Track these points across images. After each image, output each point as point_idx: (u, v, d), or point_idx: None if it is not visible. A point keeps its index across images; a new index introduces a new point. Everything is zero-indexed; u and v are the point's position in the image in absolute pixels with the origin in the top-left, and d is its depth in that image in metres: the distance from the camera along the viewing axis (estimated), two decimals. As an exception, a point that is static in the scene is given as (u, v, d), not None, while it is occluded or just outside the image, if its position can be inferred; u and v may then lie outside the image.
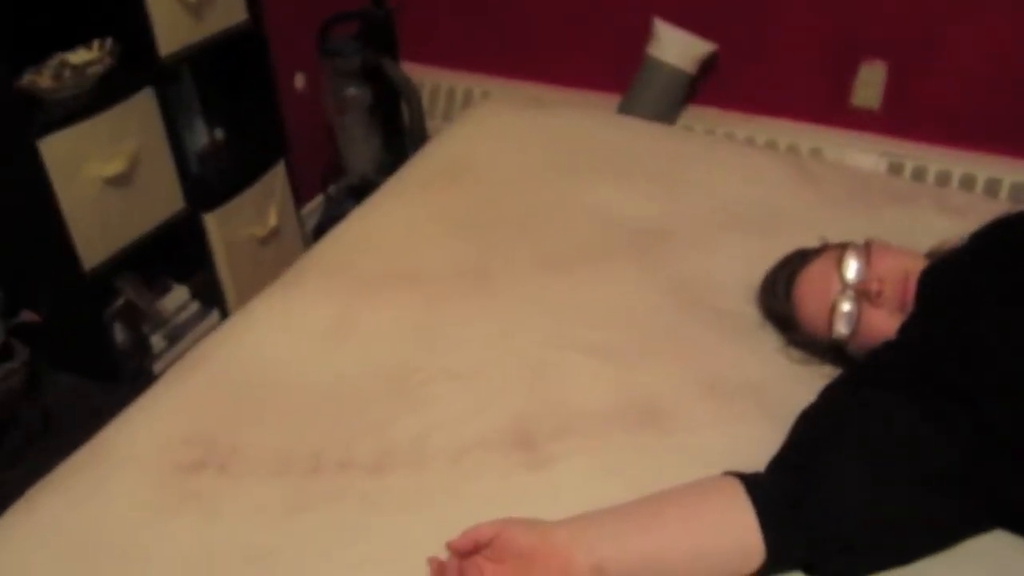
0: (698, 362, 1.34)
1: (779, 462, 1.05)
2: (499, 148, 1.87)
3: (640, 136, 1.96)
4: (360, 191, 2.73)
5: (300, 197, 2.58)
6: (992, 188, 2.31)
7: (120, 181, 1.90)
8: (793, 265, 1.38)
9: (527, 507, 1.08)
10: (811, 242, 1.44)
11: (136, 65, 1.94)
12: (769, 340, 1.40)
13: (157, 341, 2.22)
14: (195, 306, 2.36)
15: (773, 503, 0.95)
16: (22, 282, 1.92)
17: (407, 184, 1.76)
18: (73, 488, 1.11)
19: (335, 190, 2.80)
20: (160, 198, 2.06)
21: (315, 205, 2.86)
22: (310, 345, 1.33)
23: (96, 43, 1.90)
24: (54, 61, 1.83)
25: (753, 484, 0.97)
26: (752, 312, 1.45)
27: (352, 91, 2.52)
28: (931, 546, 0.97)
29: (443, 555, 0.97)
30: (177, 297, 2.32)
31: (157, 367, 2.20)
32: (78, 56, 1.86)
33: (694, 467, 1.16)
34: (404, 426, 1.19)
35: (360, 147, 2.65)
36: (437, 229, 1.60)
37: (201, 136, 2.38)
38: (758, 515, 0.94)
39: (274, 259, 2.50)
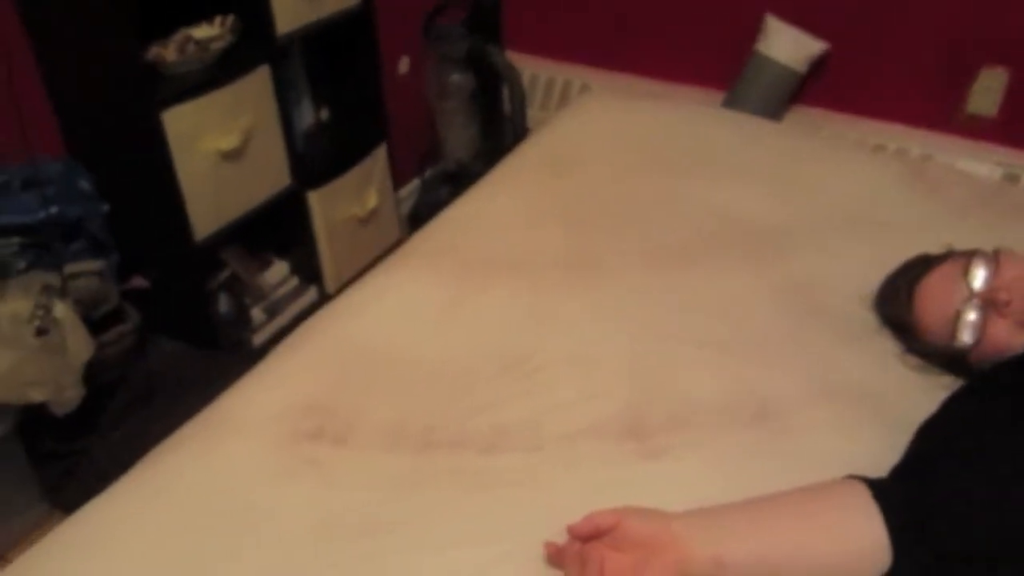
0: (812, 364, 1.31)
1: (904, 471, 1.02)
2: (605, 142, 1.86)
3: (750, 133, 1.93)
4: (456, 177, 2.75)
5: (396, 180, 2.61)
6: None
7: (234, 155, 1.95)
8: (917, 270, 1.34)
9: (638, 496, 1.07)
10: (927, 248, 1.40)
11: (254, 43, 1.98)
12: (885, 345, 1.36)
13: (256, 314, 2.28)
14: (294, 281, 2.41)
15: (901, 512, 0.92)
16: (135, 248, 1.98)
17: (514, 173, 1.77)
18: (194, 449, 1.14)
19: (431, 175, 2.82)
20: (269, 174, 2.10)
21: (410, 189, 2.89)
22: (422, 325, 1.35)
23: (218, 19, 1.95)
24: (179, 36, 1.89)
25: (880, 491, 0.95)
26: (868, 316, 1.41)
27: (455, 77, 2.53)
28: None
29: (556, 538, 0.97)
30: (277, 272, 2.37)
31: (256, 339, 2.25)
32: (202, 31, 1.91)
33: (807, 470, 1.13)
34: (517, 408, 1.19)
35: (459, 133, 2.66)
36: (544, 220, 1.60)
37: (307, 115, 2.42)
38: (886, 523, 0.91)
39: (371, 239, 2.53)
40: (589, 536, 0.94)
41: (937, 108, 2.42)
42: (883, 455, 1.14)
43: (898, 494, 0.95)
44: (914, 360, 1.33)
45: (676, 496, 1.08)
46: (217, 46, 1.89)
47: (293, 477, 1.08)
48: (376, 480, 1.09)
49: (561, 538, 0.96)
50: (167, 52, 1.85)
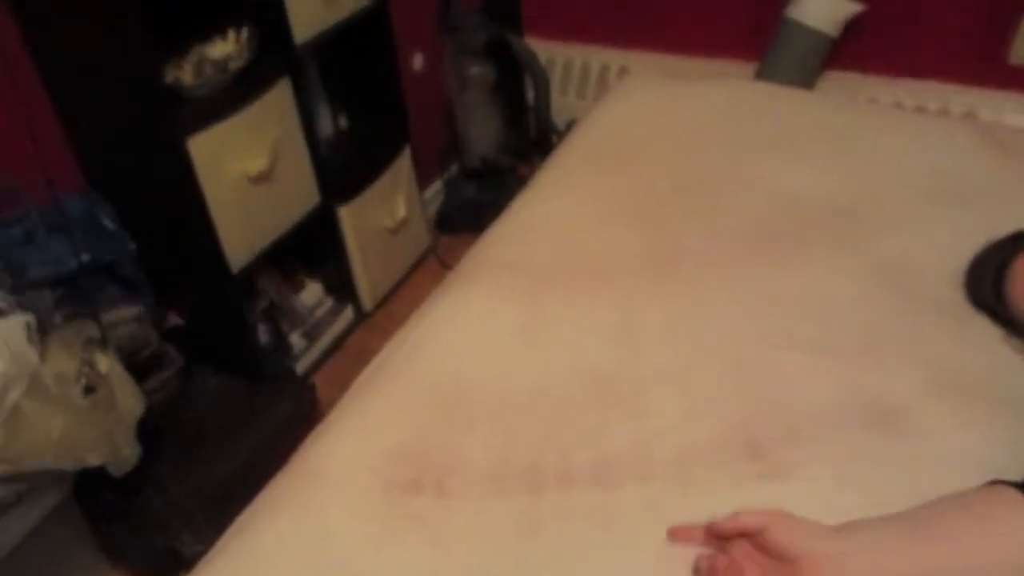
0: (920, 356, 1.23)
1: None
2: (654, 127, 1.77)
3: (800, 105, 1.84)
4: (481, 174, 2.65)
5: (419, 182, 2.52)
6: None
7: (262, 177, 1.86)
8: (1006, 251, 1.26)
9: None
10: (1013, 216, 1.32)
11: (272, 55, 1.88)
12: (991, 330, 1.28)
13: (296, 340, 2.19)
14: (329, 302, 2.32)
15: None
16: (167, 284, 1.89)
17: (566, 169, 1.67)
18: (285, 517, 1.05)
19: (454, 173, 2.73)
20: (299, 193, 2.01)
21: (435, 190, 2.79)
22: (503, 347, 1.26)
23: (232, 33, 1.85)
24: (194, 55, 1.79)
25: None
26: (962, 299, 1.33)
27: (475, 68, 2.43)
28: None
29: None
30: (312, 294, 2.28)
31: (299, 366, 2.17)
32: (217, 49, 1.81)
33: (939, 473, 1.06)
34: (621, 435, 1.11)
35: (481, 128, 2.57)
36: (610, 217, 1.51)
37: (326, 124, 2.32)
38: None
39: (402, 249, 2.45)
40: (731, 536, 0.91)
41: (977, 61, 2.33)
42: (1009, 444, 1.07)
43: None
44: (1021, 343, 1.26)
45: (806, 515, 1.01)
46: (236, 65, 1.79)
47: (397, 537, 1.00)
48: (486, 531, 1.01)
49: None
50: (184, 74, 1.75)
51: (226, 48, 1.82)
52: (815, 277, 1.36)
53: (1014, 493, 0.89)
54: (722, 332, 1.25)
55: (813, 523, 0.90)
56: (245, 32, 1.84)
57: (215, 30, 1.84)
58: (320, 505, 1.04)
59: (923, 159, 1.62)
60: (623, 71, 2.61)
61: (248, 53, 1.82)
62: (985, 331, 1.28)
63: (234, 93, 1.79)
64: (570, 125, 2.28)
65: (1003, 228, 1.31)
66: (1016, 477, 1.02)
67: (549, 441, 1.11)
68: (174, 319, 1.94)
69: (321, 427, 1.17)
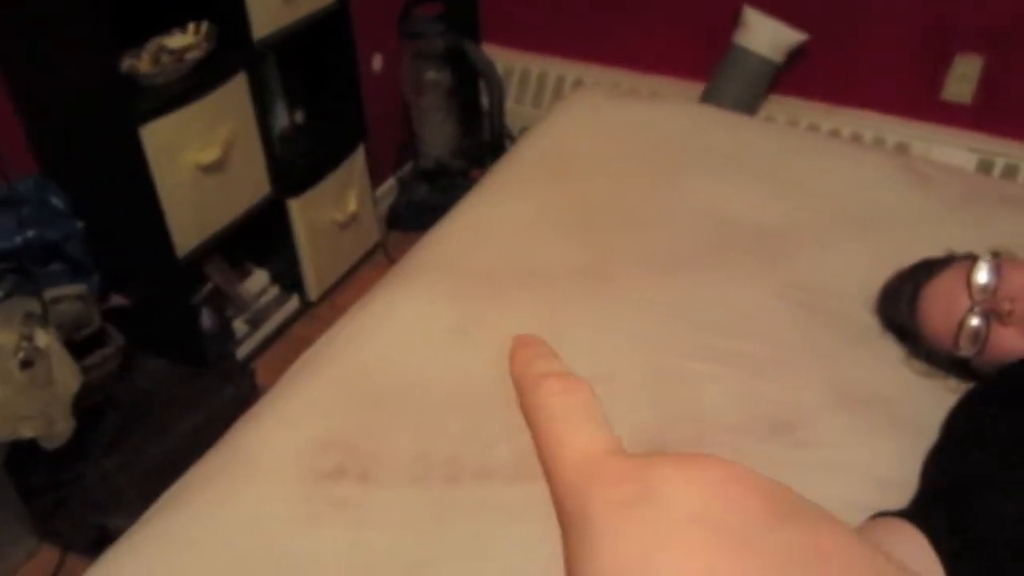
0: (825, 372, 1.32)
1: (936, 496, 1.04)
2: (599, 141, 1.84)
3: (741, 131, 1.92)
4: (434, 175, 2.70)
5: (373, 179, 2.56)
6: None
7: (214, 167, 1.89)
8: (917, 277, 1.34)
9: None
10: (925, 245, 1.41)
11: (230, 49, 1.91)
12: (893, 350, 1.37)
13: (239, 325, 2.22)
14: (275, 290, 2.35)
15: (952, 549, 0.92)
16: (115, 267, 1.91)
17: (510, 179, 1.74)
18: (209, 494, 1.10)
19: (408, 173, 2.78)
20: (249, 184, 2.04)
21: (387, 188, 2.84)
22: (434, 344, 1.32)
23: (192, 26, 1.88)
24: (152, 45, 1.82)
25: (931, 531, 0.94)
26: (872, 320, 1.42)
27: (432, 73, 2.48)
28: None
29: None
30: (258, 281, 2.31)
31: (240, 352, 2.20)
32: (176, 40, 1.84)
33: (832, 482, 1.15)
34: (539, 434, 1.18)
35: (436, 130, 2.62)
36: (547, 226, 1.57)
37: (282, 118, 2.36)
38: (945, 566, 0.91)
39: (351, 243, 2.48)
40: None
41: (913, 95, 2.44)
42: (902, 462, 1.15)
43: (944, 530, 0.94)
44: (920, 365, 1.34)
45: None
46: (193, 55, 1.82)
47: (319, 521, 1.05)
48: (405, 518, 1.07)
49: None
50: (141, 63, 1.78)
51: (185, 40, 1.85)
52: (734, 293, 1.44)
53: (916, 531, 0.96)
54: (640, 341, 1.33)
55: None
56: (205, 26, 1.87)
57: (176, 24, 1.87)
58: (245, 487, 1.09)
59: (848, 187, 1.71)
60: (578, 83, 2.68)
61: (207, 45, 1.85)
62: (888, 351, 1.37)
63: (190, 84, 1.82)
64: (524, 132, 2.35)
65: (915, 255, 1.40)
66: (903, 488, 1.10)
67: (471, 435, 1.17)
68: (119, 300, 1.96)
69: (252, 411, 1.22)
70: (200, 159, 1.84)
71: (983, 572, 0.91)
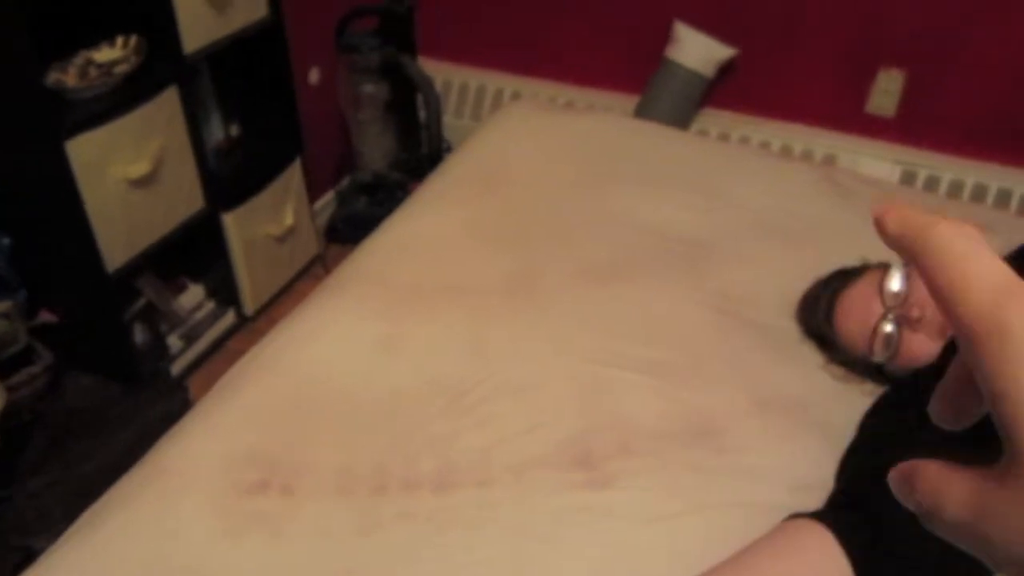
0: (745, 379, 1.35)
1: (846, 497, 1.07)
2: (530, 154, 1.87)
3: (671, 144, 1.96)
4: (373, 188, 2.71)
5: (311, 192, 2.56)
6: (1003, 199, 2.34)
7: (144, 182, 1.87)
8: (834, 286, 1.39)
9: (591, 525, 1.10)
10: (844, 255, 1.45)
11: (161, 63, 1.90)
12: (811, 356, 1.41)
13: (174, 341, 2.20)
14: (210, 305, 2.33)
15: (864, 551, 0.95)
16: (42, 283, 1.89)
17: (441, 191, 1.75)
18: (134, 511, 1.09)
19: (347, 186, 2.78)
20: (182, 198, 2.03)
21: (326, 201, 2.83)
22: (361, 358, 1.33)
23: (120, 40, 1.86)
24: (79, 59, 1.80)
25: (840, 530, 0.97)
26: (792, 327, 1.47)
27: (369, 87, 2.49)
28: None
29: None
30: (193, 296, 2.29)
31: (175, 367, 2.18)
32: (104, 54, 1.82)
33: (751, 485, 1.18)
34: (465, 442, 1.19)
35: (374, 144, 2.62)
36: (476, 239, 1.59)
37: (217, 132, 2.35)
38: (853, 564, 0.94)
39: (288, 256, 2.48)
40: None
41: (840, 109, 2.51)
42: (818, 465, 1.19)
43: (856, 532, 0.98)
44: (838, 370, 1.39)
45: (628, 523, 1.11)
46: (121, 69, 1.81)
47: (240, 533, 1.05)
48: (328, 529, 1.07)
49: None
50: (68, 77, 1.76)
51: (113, 54, 1.83)
52: (659, 302, 1.47)
53: (827, 532, 0.99)
54: (566, 351, 1.35)
55: None
56: (133, 39, 1.86)
57: (104, 37, 1.85)
58: (167, 502, 1.09)
59: (772, 199, 1.76)
60: (516, 96, 2.71)
61: (136, 59, 1.83)
62: (807, 358, 1.41)
63: (119, 98, 1.80)
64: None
65: (834, 264, 1.44)
66: (820, 490, 1.14)
67: (397, 447, 1.18)
68: (48, 317, 1.93)
69: (179, 426, 1.21)
70: (129, 173, 1.82)
71: (889, 571, 0.94)
